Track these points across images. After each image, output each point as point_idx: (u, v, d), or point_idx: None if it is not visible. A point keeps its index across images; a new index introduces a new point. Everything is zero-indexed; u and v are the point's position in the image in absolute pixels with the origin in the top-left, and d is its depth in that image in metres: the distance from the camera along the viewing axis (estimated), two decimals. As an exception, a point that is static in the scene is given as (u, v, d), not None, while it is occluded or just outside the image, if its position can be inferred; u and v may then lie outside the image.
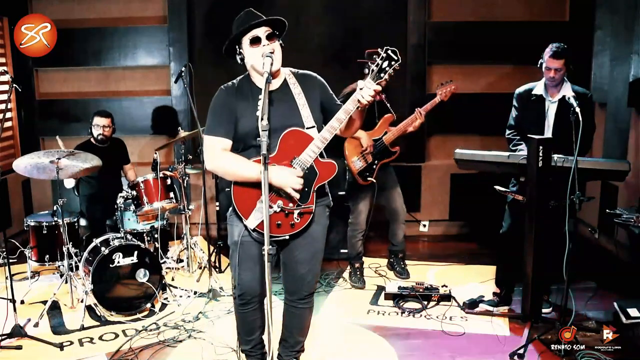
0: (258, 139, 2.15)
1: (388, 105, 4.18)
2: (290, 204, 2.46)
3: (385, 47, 2.33)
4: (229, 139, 2.49)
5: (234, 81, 2.57)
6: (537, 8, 5.44)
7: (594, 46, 5.17)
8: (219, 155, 2.47)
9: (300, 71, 2.62)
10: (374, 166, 4.13)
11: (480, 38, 5.41)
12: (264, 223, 2.15)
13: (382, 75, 2.34)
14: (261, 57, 2.37)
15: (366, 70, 4.05)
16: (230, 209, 2.58)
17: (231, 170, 2.45)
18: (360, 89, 2.34)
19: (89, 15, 5.51)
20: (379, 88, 2.35)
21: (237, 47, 2.49)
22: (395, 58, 2.33)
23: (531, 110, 3.59)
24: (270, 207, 2.40)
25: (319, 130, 2.48)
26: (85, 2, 5.49)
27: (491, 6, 5.45)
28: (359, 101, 2.36)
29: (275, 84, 2.51)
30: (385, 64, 2.33)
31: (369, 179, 4.13)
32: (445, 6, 5.48)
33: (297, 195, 2.42)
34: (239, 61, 2.51)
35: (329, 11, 5.45)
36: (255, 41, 2.41)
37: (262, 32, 2.41)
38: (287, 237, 2.50)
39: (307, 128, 2.48)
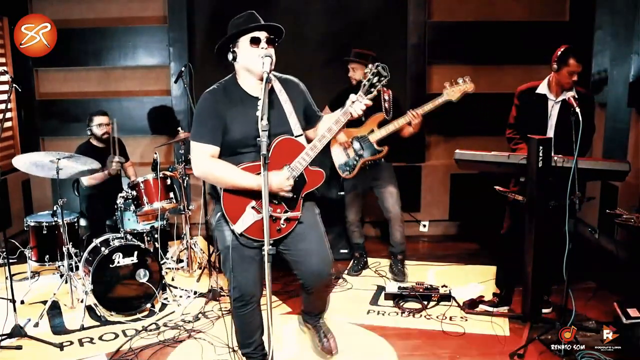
0: (258, 139, 2.15)
1: (385, 105, 4.14)
2: (279, 210, 2.52)
3: (376, 64, 2.43)
4: (218, 146, 2.48)
5: (219, 85, 2.54)
6: (537, 8, 5.44)
7: (594, 46, 5.17)
8: (210, 162, 2.46)
9: (283, 75, 2.64)
10: (356, 162, 4.16)
11: (480, 38, 5.41)
12: (264, 224, 2.15)
13: (372, 90, 2.44)
14: (258, 58, 2.38)
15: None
16: (219, 214, 2.57)
17: (225, 178, 2.44)
18: (353, 102, 2.44)
19: (89, 15, 5.51)
20: (370, 103, 2.46)
21: (231, 45, 2.49)
22: (385, 74, 2.42)
23: (533, 110, 3.58)
24: (259, 212, 2.45)
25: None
26: (85, 2, 5.49)
27: (491, 6, 5.44)
28: (351, 114, 2.46)
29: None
30: (376, 79, 2.43)
31: (345, 173, 4.19)
32: (445, 6, 5.48)
33: (289, 195, 2.48)
34: (230, 59, 2.50)
35: (329, 11, 5.45)
36: (256, 41, 2.42)
37: (262, 35, 2.43)
38: (272, 242, 2.46)
39: (296, 136, 2.52)
